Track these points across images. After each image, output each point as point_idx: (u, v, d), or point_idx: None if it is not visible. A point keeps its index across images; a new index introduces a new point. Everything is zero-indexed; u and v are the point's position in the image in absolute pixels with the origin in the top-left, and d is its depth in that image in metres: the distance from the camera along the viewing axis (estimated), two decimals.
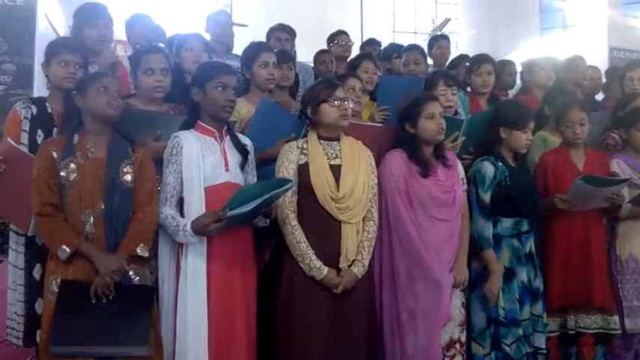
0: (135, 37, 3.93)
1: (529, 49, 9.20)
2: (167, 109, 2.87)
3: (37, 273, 2.70)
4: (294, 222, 2.58)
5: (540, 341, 3.05)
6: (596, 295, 3.15)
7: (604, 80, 4.95)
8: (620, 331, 3.17)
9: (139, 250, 2.38)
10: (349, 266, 2.58)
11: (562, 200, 3.09)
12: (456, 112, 3.37)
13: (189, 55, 3.26)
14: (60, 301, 2.27)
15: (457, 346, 2.86)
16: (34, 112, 2.77)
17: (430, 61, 4.72)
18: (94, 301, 2.27)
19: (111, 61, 3.40)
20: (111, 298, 2.28)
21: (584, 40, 10.90)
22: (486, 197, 2.98)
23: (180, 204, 2.53)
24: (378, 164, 2.84)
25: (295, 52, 4.39)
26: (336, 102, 2.65)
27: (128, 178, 2.43)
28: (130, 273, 2.38)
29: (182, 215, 2.49)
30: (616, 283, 3.28)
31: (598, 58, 6.26)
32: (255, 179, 2.69)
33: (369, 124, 3.27)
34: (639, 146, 3.35)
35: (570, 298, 3.17)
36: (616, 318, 3.16)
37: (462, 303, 2.92)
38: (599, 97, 4.94)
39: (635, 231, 3.29)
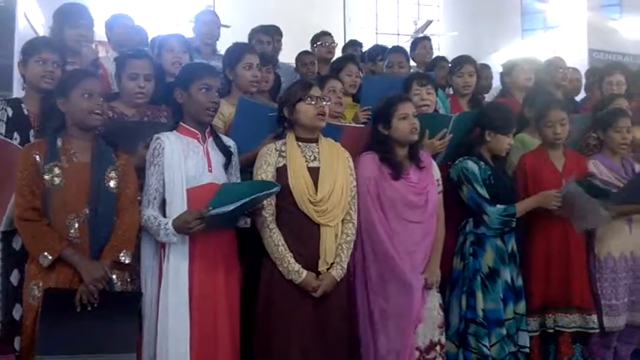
0: (115, 38, 3.90)
1: (510, 51, 9.29)
2: (146, 110, 2.86)
3: (14, 278, 2.62)
4: (273, 225, 2.57)
5: (524, 340, 3.08)
6: (574, 295, 3.19)
7: (584, 81, 5.03)
8: (598, 330, 3.21)
9: (121, 257, 2.36)
10: (328, 269, 2.58)
11: (554, 197, 3.08)
12: (436, 112, 3.39)
13: (169, 56, 3.26)
14: (44, 309, 2.23)
15: (437, 348, 2.88)
16: (10, 115, 2.70)
17: (413, 63, 4.75)
18: (78, 309, 2.24)
19: (92, 58, 3.37)
20: (96, 305, 2.26)
21: (565, 42, 11.04)
22: (483, 190, 2.99)
23: (163, 206, 2.51)
24: None
25: (279, 51, 4.37)
26: (311, 100, 2.64)
27: (112, 183, 2.41)
28: (114, 277, 2.36)
29: (165, 217, 2.47)
30: (595, 283, 3.32)
31: (578, 60, 6.35)
32: (239, 181, 2.68)
33: (353, 125, 3.27)
34: (616, 147, 3.40)
35: (550, 297, 3.21)
36: (594, 317, 3.21)
37: (440, 305, 2.94)
38: (579, 98, 5.02)
39: (613, 231, 3.33)
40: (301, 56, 4.62)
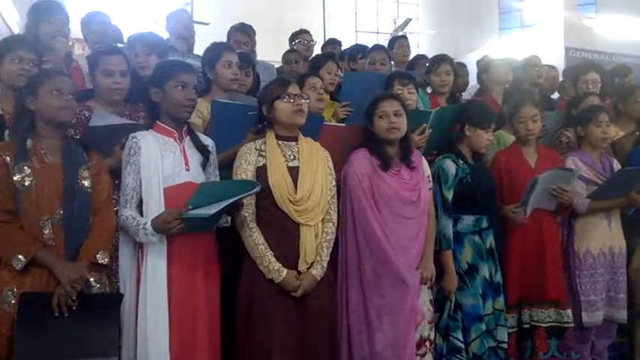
0: (92, 36, 3.85)
1: (488, 49, 9.37)
2: (124, 109, 2.82)
3: None
4: (253, 224, 2.56)
5: (503, 335, 3.11)
6: (550, 290, 3.22)
7: (561, 79, 5.09)
8: (572, 324, 3.25)
9: (99, 257, 2.33)
10: (308, 268, 2.57)
11: (514, 211, 3.17)
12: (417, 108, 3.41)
13: (135, 60, 3.21)
14: (21, 315, 2.16)
15: (427, 343, 2.90)
16: None
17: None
18: (57, 313, 2.19)
19: (65, 52, 3.32)
20: (75, 308, 2.21)
21: (541, 40, 11.16)
22: (449, 195, 3.03)
23: (140, 205, 2.48)
24: (344, 164, 2.85)
25: (255, 52, 4.36)
26: (289, 98, 2.63)
27: (86, 183, 2.37)
28: (91, 279, 2.32)
29: (142, 217, 2.44)
30: (574, 278, 3.36)
31: (554, 58, 6.43)
32: (218, 180, 2.66)
33: (333, 124, 3.27)
34: (597, 142, 3.43)
35: (526, 293, 3.24)
36: (569, 312, 3.24)
37: (430, 300, 2.96)
38: (556, 96, 5.08)
39: (592, 227, 3.38)
40: (286, 55, 4.61)
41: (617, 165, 3.49)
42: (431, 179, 3.01)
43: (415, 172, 2.89)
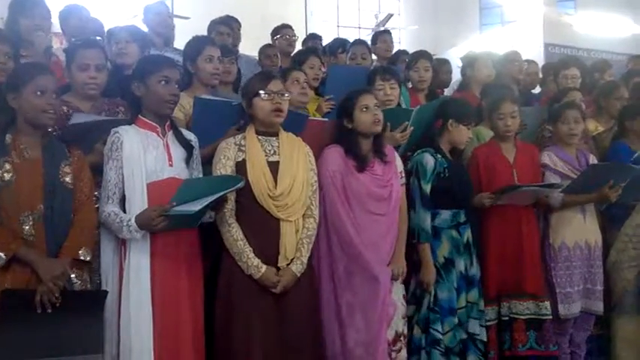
0: (70, 30, 3.80)
1: (469, 45, 9.43)
2: (103, 104, 2.79)
3: None
4: (232, 220, 2.54)
5: (474, 328, 3.14)
6: (528, 282, 3.26)
7: (541, 75, 5.14)
8: (550, 317, 3.29)
9: (81, 254, 2.30)
10: (288, 265, 2.56)
11: (489, 198, 3.20)
12: (399, 106, 3.41)
13: (115, 47, 3.20)
14: (2, 313, 2.13)
15: (402, 339, 2.92)
16: None
17: (374, 56, 4.78)
18: (39, 311, 2.16)
19: (45, 47, 3.27)
20: (58, 305, 2.18)
21: (521, 36, 11.25)
22: (428, 189, 3.04)
23: (122, 201, 2.45)
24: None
25: (238, 41, 4.33)
26: (268, 95, 2.60)
27: (68, 179, 2.34)
28: (73, 276, 2.30)
29: (125, 213, 2.42)
30: (550, 271, 3.40)
31: (534, 54, 6.49)
32: (201, 175, 2.64)
33: (318, 118, 3.27)
34: (564, 139, 3.48)
35: (504, 286, 3.28)
36: (547, 304, 3.29)
37: (404, 295, 2.97)
38: (537, 90, 5.13)
39: (567, 220, 3.42)
40: (265, 49, 4.59)
41: (593, 160, 3.53)
42: (404, 175, 3.01)
43: (388, 166, 2.90)
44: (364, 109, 2.83)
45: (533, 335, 3.28)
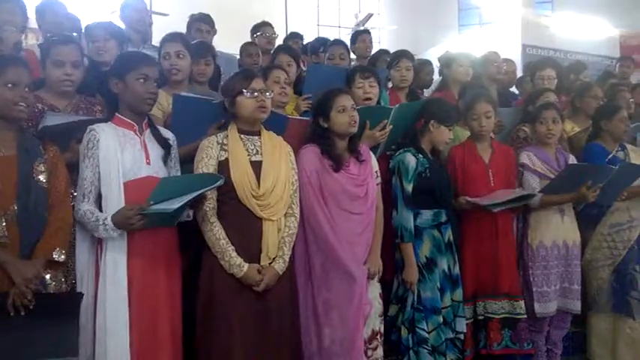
0: (47, 25, 3.74)
1: (447, 45, 9.48)
2: (79, 102, 2.75)
3: None
4: (214, 219, 2.53)
5: (461, 326, 3.17)
6: (503, 282, 3.29)
7: (521, 74, 5.20)
8: (525, 316, 3.32)
9: (55, 255, 2.26)
10: (270, 263, 2.55)
11: (468, 203, 3.23)
12: (378, 104, 3.42)
13: (93, 45, 3.16)
14: None
15: (378, 337, 2.93)
16: None
17: (353, 55, 4.79)
18: (12, 314, 2.11)
19: (14, 42, 3.19)
20: (31, 307, 2.13)
21: (499, 37, 11.34)
22: (410, 188, 3.06)
23: (98, 200, 2.42)
24: None
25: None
26: (252, 93, 2.59)
27: (42, 177, 2.30)
28: (47, 277, 2.26)
29: (101, 212, 2.39)
30: (527, 270, 3.43)
31: (512, 54, 6.53)
32: (179, 174, 2.62)
33: (299, 117, 3.26)
34: (543, 140, 3.52)
35: (480, 285, 3.30)
36: (522, 303, 3.31)
37: (380, 294, 2.98)
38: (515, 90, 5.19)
39: (545, 220, 3.45)
40: (246, 47, 4.56)
41: (572, 160, 3.57)
42: (379, 174, 3.02)
43: (364, 165, 2.90)
44: (341, 110, 2.83)
45: (508, 334, 3.30)
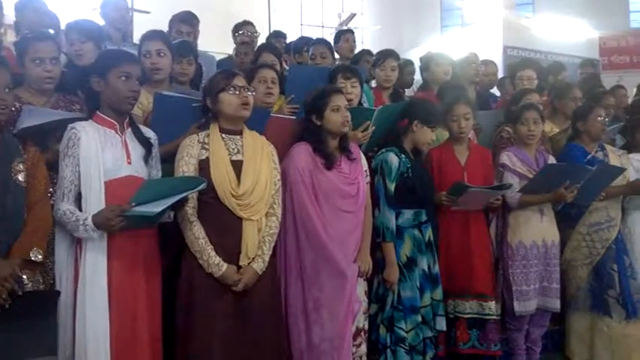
0: (26, 22, 3.68)
1: (430, 46, 9.55)
2: (59, 100, 2.72)
3: None
4: (193, 218, 2.51)
5: (441, 324, 3.20)
6: (477, 283, 3.32)
7: (502, 75, 5.24)
8: (495, 317, 3.35)
9: (32, 255, 2.24)
10: (249, 263, 2.54)
11: (446, 198, 3.24)
12: (361, 105, 3.43)
13: (70, 49, 3.12)
14: None
15: (362, 334, 2.94)
16: None
17: (336, 55, 4.79)
18: None
19: None
20: (7, 307, 2.10)
21: (481, 38, 11.45)
22: (392, 187, 3.07)
23: (78, 199, 2.39)
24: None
25: (197, 38, 4.27)
26: (234, 90, 2.57)
27: (21, 177, 2.27)
28: (24, 277, 2.23)
29: (80, 211, 2.36)
30: (507, 269, 3.47)
31: (493, 55, 6.60)
32: (160, 173, 2.60)
33: (281, 115, 3.25)
34: (524, 140, 3.55)
35: (453, 285, 3.33)
36: (492, 304, 3.34)
37: (365, 292, 3.00)
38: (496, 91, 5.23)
39: (524, 220, 3.49)
40: (238, 47, 4.54)
41: (552, 161, 3.61)
42: (368, 173, 3.04)
43: (355, 164, 2.92)
44: (335, 109, 2.85)
45: (476, 334, 3.34)
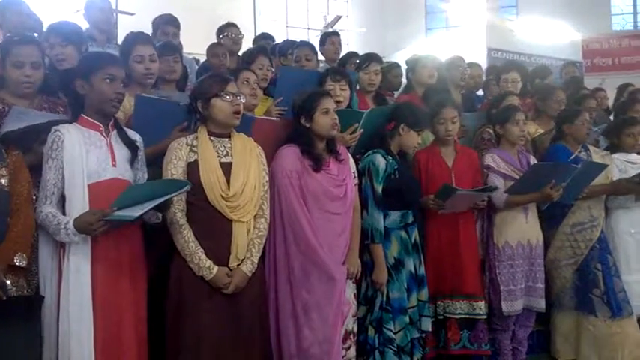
0: (8, 24, 3.65)
1: (415, 48, 9.58)
2: (42, 102, 2.69)
3: None
4: (183, 221, 2.50)
5: (427, 325, 3.21)
6: (465, 283, 3.34)
7: (484, 78, 5.27)
8: (484, 316, 3.38)
9: (16, 260, 2.21)
10: (239, 265, 2.54)
11: (434, 202, 3.25)
12: (349, 107, 3.43)
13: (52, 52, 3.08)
14: None
15: (352, 336, 2.94)
16: None
17: (322, 57, 4.79)
18: None
19: None
20: None
21: (465, 41, 11.52)
22: (380, 189, 3.08)
23: (61, 202, 2.37)
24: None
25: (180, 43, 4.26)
26: (228, 97, 2.57)
27: (3, 181, 2.25)
28: (8, 282, 2.20)
29: (64, 215, 2.34)
30: (494, 269, 3.49)
31: (477, 58, 6.63)
32: (146, 176, 2.59)
33: (266, 117, 3.24)
34: (515, 140, 3.58)
35: (442, 285, 3.34)
36: (482, 304, 3.37)
37: (354, 294, 3.00)
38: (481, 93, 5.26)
39: (510, 220, 3.52)
40: (213, 48, 4.53)
41: (533, 161, 3.65)
42: (357, 175, 3.04)
43: (343, 166, 2.92)
44: (325, 112, 2.85)
45: (467, 334, 3.35)
